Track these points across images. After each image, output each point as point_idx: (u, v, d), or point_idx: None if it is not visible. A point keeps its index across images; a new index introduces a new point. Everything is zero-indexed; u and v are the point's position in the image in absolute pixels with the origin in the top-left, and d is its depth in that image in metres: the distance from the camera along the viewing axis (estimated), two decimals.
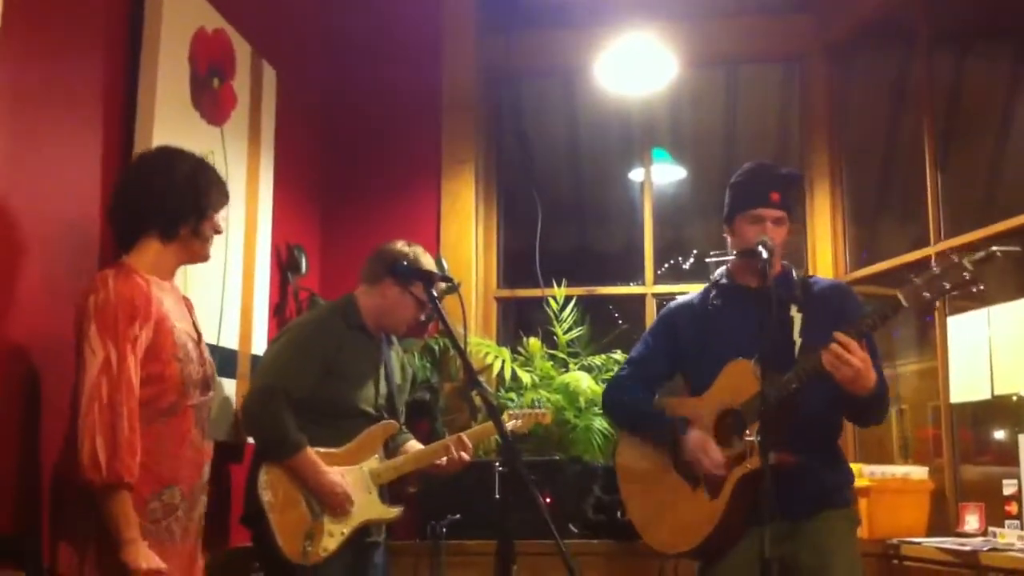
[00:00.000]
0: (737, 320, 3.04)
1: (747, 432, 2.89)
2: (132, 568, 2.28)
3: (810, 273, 4.49)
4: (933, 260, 3.97)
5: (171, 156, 2.65)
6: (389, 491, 3.38)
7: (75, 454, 2.29)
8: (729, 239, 3.14)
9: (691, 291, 3.39)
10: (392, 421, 3.40)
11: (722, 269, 3.20)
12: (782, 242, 3.04)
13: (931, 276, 2.69)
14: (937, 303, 2.85)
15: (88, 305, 2.35)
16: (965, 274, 2.65)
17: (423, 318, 3.61)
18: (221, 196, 2.67)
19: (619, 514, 3.69)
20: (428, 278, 3.18)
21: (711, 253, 3.14)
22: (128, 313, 2.36)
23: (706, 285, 3.25)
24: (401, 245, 3.41)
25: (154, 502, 2.39)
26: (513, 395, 4.45)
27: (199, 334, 2.63)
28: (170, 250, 2.56)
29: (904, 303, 2.71)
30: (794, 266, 3.19)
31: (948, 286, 2.67)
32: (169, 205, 2.54)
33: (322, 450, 3.20)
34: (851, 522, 3.05)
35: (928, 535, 3.76)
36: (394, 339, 3.58)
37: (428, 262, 3.43)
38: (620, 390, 3.26)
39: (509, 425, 3.54)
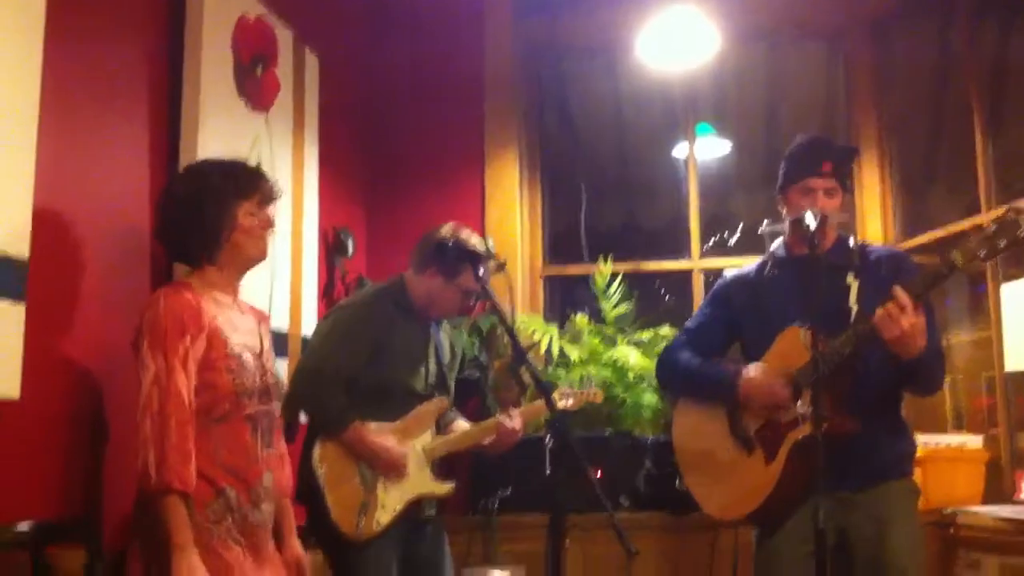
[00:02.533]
0: (789, 289, 3.03)
1: (801, 399, 2.88)
2: None
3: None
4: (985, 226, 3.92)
5: (172, 186, 2.68)
6: (440, 467, 3.41)
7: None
8: (783, 211, 3.13)
9: (737, 265, 3.38)
10: (444, 398, 3.42)
11: (779, 240, 3.19)
12: (835, 212, 3.01)
13: (985, 235, 2.64)
14: (990, 264, 2.79)
15: (143, 322, 2.44)
16: (1020, 232, 2.58)
17: (471, 303, 3.59)
18: (227, 205, 2.58)
19: (677, 483, 3.62)
20: (475, 259, 3.17)
21: (766, 222, 3.11)
22: (177, 328, 2.42)
23: (763, 257, 3.22)
24: (446, 231, 3.32)
25: (210, 505, 2.44)
26: (561, 371, 4.46)
27: (263, 347, 2.66)
28: (209, 272, 2.60)
29: (958, 262, 2.67)
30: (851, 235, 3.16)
31: (1003, 244, 2.60)
32: (173, 242, 2.62)
33: (375, 424, 3.21)
34: (911, 493, 2.99)
35: (984, 504, 3.72)
36: None
37: (475, 244, 3.31)
38: (674, 354, 3.24)
39: (560, 404, 3.54)
